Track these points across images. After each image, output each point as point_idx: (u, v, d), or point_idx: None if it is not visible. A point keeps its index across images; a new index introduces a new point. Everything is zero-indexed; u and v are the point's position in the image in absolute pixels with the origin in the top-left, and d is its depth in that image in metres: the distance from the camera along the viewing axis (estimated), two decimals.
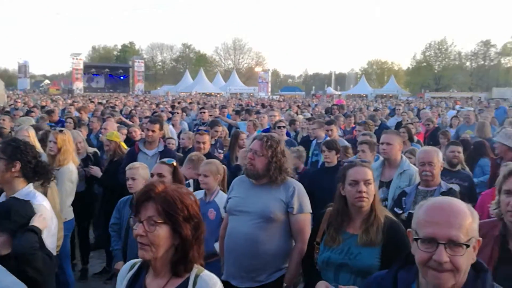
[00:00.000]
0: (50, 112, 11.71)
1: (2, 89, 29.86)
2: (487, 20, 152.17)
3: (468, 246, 1.71)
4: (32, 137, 5.78)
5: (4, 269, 2.11)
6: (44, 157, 4.83)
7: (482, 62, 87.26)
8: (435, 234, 1.72)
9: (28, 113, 12.59)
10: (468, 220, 1.74)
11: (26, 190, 3.38)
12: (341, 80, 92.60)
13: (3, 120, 8.98)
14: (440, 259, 1.68)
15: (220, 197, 4.52)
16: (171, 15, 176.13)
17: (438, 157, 4.47)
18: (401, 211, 4.34)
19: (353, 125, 10.72)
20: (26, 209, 3.08)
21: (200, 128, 11.06)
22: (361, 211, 3.14)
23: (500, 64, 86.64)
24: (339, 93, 68.21)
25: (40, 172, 3.47)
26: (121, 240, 4.64)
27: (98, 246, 7.20)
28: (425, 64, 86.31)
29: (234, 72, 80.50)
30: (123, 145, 7.07)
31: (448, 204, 1.80)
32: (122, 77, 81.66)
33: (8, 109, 15.16)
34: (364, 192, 3.09)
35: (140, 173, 4.69)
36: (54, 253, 3.44)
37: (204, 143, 6.48)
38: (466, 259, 1.72)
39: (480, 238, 1.81)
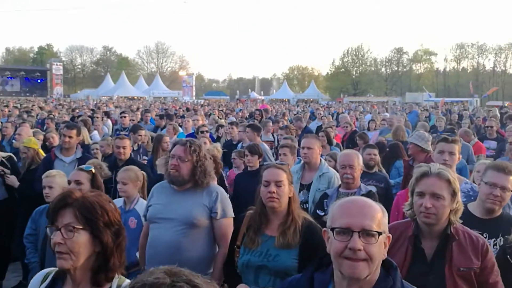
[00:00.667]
0: None
1: None
2: (400, 28, 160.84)
3: (380, 234, 1.82)
4: None
5: None
6: None
7: (396, 68, 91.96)
8: (349, 224, 1.82)
9: None
10: (379, 214, 1.87)
11: None
12: (264, 85, 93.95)
13: None
14: (355, 246, 1.77)
15: (141, 205, 4.42)
16: (90, 16, 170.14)
17: (358, 160, 4.64)
18: (323, 213, 4.45)
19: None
20: None
21: (121, 133, 10.81)
22: (278, 213, 3.20)
23: (412, 70, 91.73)
24: (263, 97, 69.18)
25: None
26: (37, 252, 4.39)
27: (14, 259, 6.78)
28: (343, 69, 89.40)
29: (158, 76, 79.24)
30: (41, 152, 6.73)
31: (361, 199, 1.95)
32: (39, 80, 77.85)
33: None
34: (274, 192, 3.15)
35: (57, 181, 4.50)
36: None
37: (124, 147, 6.27)
38: (378, 248, 1.83)
39: (390, 235, 1.93)
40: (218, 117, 14.88)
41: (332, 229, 1.86)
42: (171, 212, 3.66)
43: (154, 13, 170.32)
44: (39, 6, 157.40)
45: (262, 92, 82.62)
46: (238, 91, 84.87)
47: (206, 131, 8.97)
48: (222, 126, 11.11)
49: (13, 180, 6.16)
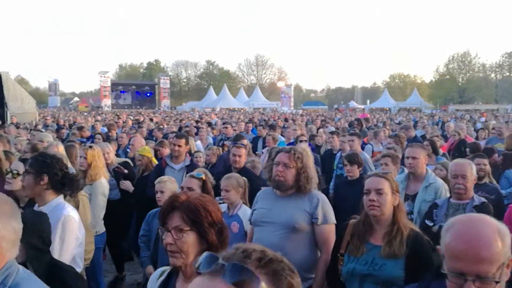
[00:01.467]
0: (80, 128, 12.00)
1: (34, 106, 30.70)
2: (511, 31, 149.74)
3: (497, 282, 1.66)
4: (61, 152, 5.93)
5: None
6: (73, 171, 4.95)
7: (508, 74, 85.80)
8: (462, 270, 1.67)
9: (58, 129, 12.89)
10: (497, 248, 1.67)
11: (56, 201, 3.48)
12: (363, 94, 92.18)
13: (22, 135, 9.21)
14: None
15: (243, 211, 4.56)
16: (195, 33, 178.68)
17: (471, 170, 4.36)
18: (432, 224, 4.29)
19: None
20: (40, 221, 3.09)
21: (225, 142, 11.19)
22: (381, 222, 3.16)
23: None
24: (362, 106, 67.90)
25: (68, 184, 3.56)
26: (149, 250, 4.71)
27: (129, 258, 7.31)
28: (448, 77, 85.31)
29: (257, 88, 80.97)
30: (154, 160, 7.19)
31: (475, 232, 1.70)
32: (148, 94, 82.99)
33: (40, 126, 15.52)
34: (374, 200, 3.13)
35: (168, 187, 4.77)
36: (82, 265, 3.51)
37: (240, 156, 6.43)
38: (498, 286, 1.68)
39: None
40: (319, 127, 14.88)
41: (444, 272, 1.73)
42: (274, 216, 3.75)
43: (254, 27, 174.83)
44: (149, 25, 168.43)
45: (361, 101, 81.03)
46: (336, 101, 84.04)
47: (305, 141, 9.03)
48: (314, 136, 11.06)
49: (127, 185, 6.64)
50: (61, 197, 3.54)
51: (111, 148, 7.15)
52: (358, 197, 3.34)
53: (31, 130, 11.63)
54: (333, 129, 13.52)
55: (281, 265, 1.10)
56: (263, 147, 10.23)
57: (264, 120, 24.64)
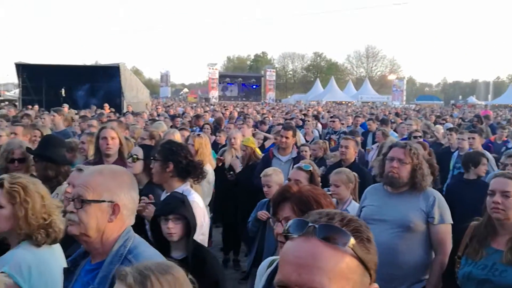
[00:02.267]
0: (198, 117, 12.69)
1: (147, 96, 32.82)
2: None
3: None
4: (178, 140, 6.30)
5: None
6: None
7: None
8: None
9: (172, 118, 13.62)
10: None
11: (182, 187, 3.73)
12: (485, 89, 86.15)
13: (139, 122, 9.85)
14: None
15: (353, 207, 4.51)
16: (303, 24, 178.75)
17: None
18: None
19: (505, 139, 9.88)
20: (184, 204, 3.33)
21: (332, 136, 11.11)
22: (506, 226, 3.01)
23: None
24: (484, 102, 63.49)
25: (192, 171, 3.78)
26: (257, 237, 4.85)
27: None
28: None
29: (367, 80, 79.09)
30: (258, 151, 7.37)
31: None
32: (254, 86, 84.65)
33: (156, 116, 16.44)
34: (499, 203, 2.98)
35: (274, 180, 4.87)
36: None
37: (347, 147, 6.36)
38: None
39: None
40: (434, 123, 14.19)
41: None
42: (385, 214, 3.68)
43: (364, 17, 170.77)
44: (257, 17, 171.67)
45: (482, 96, 75.82)
46: (454, 96, 79.48)
47: (420, 137, 8.68)
48: (426, 132, 10.56)
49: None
50: (187, 184, 3.77)
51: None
52: (475, 199, 3.20)
53: (149, 119, 12.44)
54: (451, 125, 12.83)
55: (358, 222, 1.25)
56: (373, 142, 10.02)
57: (372, 113, 24.04)
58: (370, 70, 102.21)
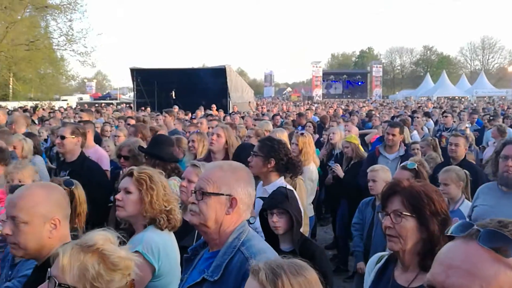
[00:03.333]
0: (300, 115, 12.87)
1: (252, 96, 33.62)
2: None
3: None
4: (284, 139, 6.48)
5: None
6: None
7: None
8: None
9: (273, 117, 13.89)
10: None
11: (279, 182, 3.95)
12: None
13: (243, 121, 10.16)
14: None
15: (466, 206, 4.38)
16: (411, 17, 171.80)
17: None
18: None
19: None
20: (292, 196, 3.50)
21: (443, 133, 10.68)
22: None
23: None
24: None
25: (291, 168, 4.05)
26: (363, 241, 4.88)
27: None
28: None
29: (482, 73, 74.06)
30: (361, 148, 7.33)
31: None
32: (359, 83, 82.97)
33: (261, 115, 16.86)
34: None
35: (380, 176, 4.87)
36: None
37: (456, 145, 6.14)
38: None
39: None
40: None
41: None
42: (500, 214, 3.49)
43: (479, 5, 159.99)
44: (361, 12, 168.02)
45: None
46: None
47: None
48: None
49: (339, 170, 6.90)
50: (282, 178, 4.01)
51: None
52: None
53: (255, 119, 12.85)
54: None
55: None
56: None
57: (484, 108, 22.56)
58: (486, 63, 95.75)
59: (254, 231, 2.38)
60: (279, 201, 3.34)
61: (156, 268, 2.73)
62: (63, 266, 1.73)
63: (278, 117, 13.46)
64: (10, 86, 48.98)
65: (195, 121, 11.72)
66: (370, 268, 2.46)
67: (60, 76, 48.33)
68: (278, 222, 3.31)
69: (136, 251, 2.58)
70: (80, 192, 2.93)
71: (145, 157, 4.74)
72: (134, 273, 1.86)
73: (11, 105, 30.13)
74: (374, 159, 6.36)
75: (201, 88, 24.08)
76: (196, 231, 3.28)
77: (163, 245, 2.80)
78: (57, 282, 1.72)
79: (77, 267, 1.72)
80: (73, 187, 2.87)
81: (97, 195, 5.03)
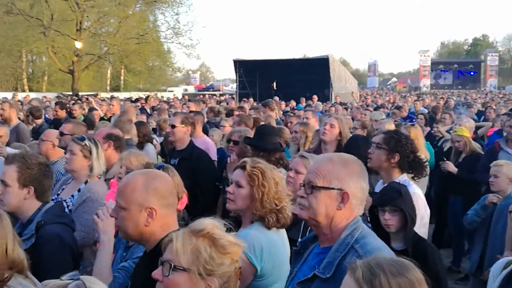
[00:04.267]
0: (398, 108, 12.34)
1: (355, 87, 33.00)
2: None
3: None
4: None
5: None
6: None
7: None
8: None
9: (376, 109, 13.48)
10: None
11: (401, 178, 3.68)
12: None
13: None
14: None
15: None
16: None
17: None
18: None
19: None
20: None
21: None
22: None
23: None
24: None
25: (414, 167, 3.74)
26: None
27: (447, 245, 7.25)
28: None
29: None
30: (471, 140, 6.90)
31: None
32: (471, 73, 78.38)
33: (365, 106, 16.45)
34: None
35: (504, 171, 4.62)
36: None
37: None
38: None
39: None
40: None
41: None
42: None
43: None
44: None
45: None
46: None
47: None
48: None
49: (451, 167, 6.51)
50: (405, 175, 3.72)
51: None
52: None
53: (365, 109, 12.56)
54: None
55: None
56: None
57: None
58: None
59: (369, 228, 2.27)
60: (392, 198, 3.18)
61: (258, 269, 2.68)
62: (177, 249, 1.79)
63: (384, 109, 13.04)
64: (122, 77, 52.44)
65: (298, 112, 11.67)
66: (495, 274, 2.28)
67: (167, 68, 50.76)
68: (390, 220, 3.16)
69: None
70: (174, 175, 3.06)
71: (251, 148, 4.76)
72: (241, 261, 1.88)
73: (122, 95, 32.12)
74: (495, 154, 5.93)
75: (303, 78, 24.05)
76: (303, 223, 3.24)
77: (268, 244, 2.73)
78: (172, 265, 1.78)
79: (190, 250, 1.78)
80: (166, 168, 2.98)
81: (205, 182, 5.21)
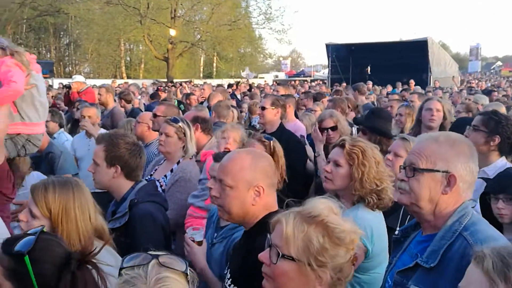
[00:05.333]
0: (489, 93, 11.69)
1: (456, 71, 31.33)
2: None
3: None
4: None
5: None
6: None
7: None
8: None
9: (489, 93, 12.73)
10: None
11: (501, 162, 3.49)
12: None
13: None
14: None
15: None
16: None
17: None
18: None
19: None
20: None
21: None
22: None
23: None
24: None
25: None
26: None
27: None
28: None
29: None
30: None
31: None
32: None
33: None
34: None
35: None
36: None
37: None
38: None
39: None
40: None
41: None
42: None
43: None
44: None
45: None
46: None
47: None
48: None
49: None
50: (503, 158, 3.51)
51: None
52: None
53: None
54: None
55: None
56: None
57: None
58: None
59: (479, 215, 2.07)
60: (507, 185, 2.94)
61: (370, 250, 2.62)
62: (287, 236, 1.68)
63: (496, 93, 12.26)
64: (214, 65, 53.70)
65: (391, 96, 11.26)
66: None
67: (258, 55, 51.22)
68: (504, 209, 2.91)
69: None
70: (278, 146, 3.25)
71: (362, 130, 4.54)
72: (357, 247, 1.75)
73: (214, 82, 32.89)
74: None
75: (399, 63, 23.22)
76: (402, 211, 3.08)
77: (376, 225, 2.68)
78: (280, 253, 1.69)
79: (301, 239, 1.67)
80: (272, 141, 3.19)
81: (295, 165, 5.10)
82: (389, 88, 17.68)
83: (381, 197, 2.69)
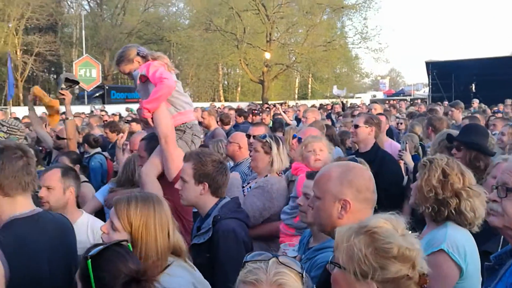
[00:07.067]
0: None
1: None
2: None
3: None
4: None
5: None
6: None
7: None
8: None
9: None
10: None
11: None
12: None
13: None
14: None
15: None
16: None
17: None
18: None
19: None
20: None
21: None
22: None
23: None
24: None
25: None
26: None
27: None
28: None
29: None
30: None
31: None
32: None
33: None
34: None
35: None
36: None
37: None
38: None
39: None
40: None
41: None
42: None
43: None
44: None
45: None
46: None
47: None
48: None
49: None
50: None
51: None
52: None
53: None
54: None
55: None
56: None
57: None
58: None
59: None
60: None
61: (464, 269, 2.52)
62: (337, 244, 1.74)
63: None
64: (309, 86, 53.88)
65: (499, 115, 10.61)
66: None
67: (354, 75, 50.71)
68: None
69: (441, 249, 2.50)
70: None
71: (458, 147, 4.28)
72: (426, 269, 1.68)
73: (309, 103, 32.96)
74: None
75: (509, 79, 21.79)
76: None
77: (468, 244, 2.58)
78: (332, 261, 1.76)
79: (345, 248, 1.70)
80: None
81: (389, 186, 4.91)
82: (501, 107, 16.43)
83: (466, 216, 2.60)
